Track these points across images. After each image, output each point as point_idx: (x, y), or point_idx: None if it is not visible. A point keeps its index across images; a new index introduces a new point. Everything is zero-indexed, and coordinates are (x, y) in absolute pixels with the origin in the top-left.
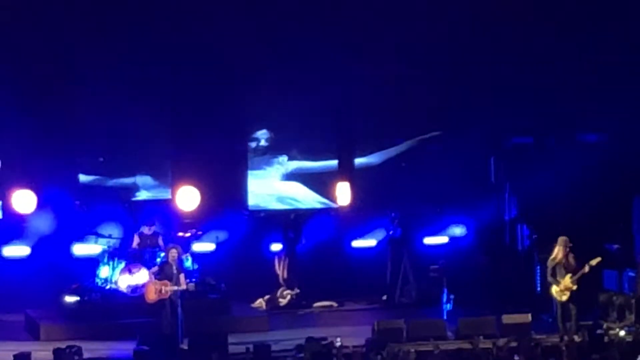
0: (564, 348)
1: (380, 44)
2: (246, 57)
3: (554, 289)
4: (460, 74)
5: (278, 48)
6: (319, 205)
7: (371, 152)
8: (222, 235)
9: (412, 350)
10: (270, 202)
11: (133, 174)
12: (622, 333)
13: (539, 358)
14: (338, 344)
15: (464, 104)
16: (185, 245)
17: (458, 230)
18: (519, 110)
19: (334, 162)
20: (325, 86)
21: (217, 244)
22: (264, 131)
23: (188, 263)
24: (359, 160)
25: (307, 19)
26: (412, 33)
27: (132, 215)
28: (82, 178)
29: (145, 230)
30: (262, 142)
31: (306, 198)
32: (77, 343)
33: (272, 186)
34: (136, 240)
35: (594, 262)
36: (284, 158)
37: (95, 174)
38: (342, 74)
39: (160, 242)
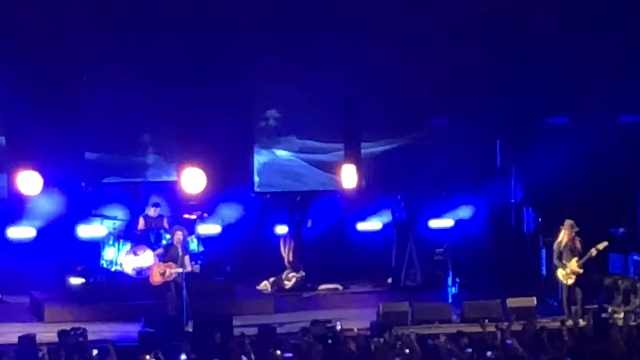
0: (565, 332)
1: (388, 28)
2: (254, 40)
3: (560, 273)
4: (466, 57)
5: (286, 30)
6: (326, 182)
7: (378, 140)
8: (228, 217)
9: (413, 333)
10: (276, 179)
11: (144, 154)
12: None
13: (543, 341)
14: (339, 327)
15: (471, 88)
16: (191, 227)
17: (464, 214)
18: (525, 93)
19: (340, 145)
20: (333, 69)
21: (223, 226)
22: (273, 111)
23: (193, 245)
24: (365, 147)
25: (316, 3)
26: (420, 18)
27: (138, 196)
28: (90, 155)
29: (151, 212)
30: (271, 122)
31: (312, 174)
32: (82, 325)
33: (279, 164)
34: (141, 222)
35: (600, 246)
36: (292, 137)
37: (105, 152)
38: (350, 57)
39: (166, 224)
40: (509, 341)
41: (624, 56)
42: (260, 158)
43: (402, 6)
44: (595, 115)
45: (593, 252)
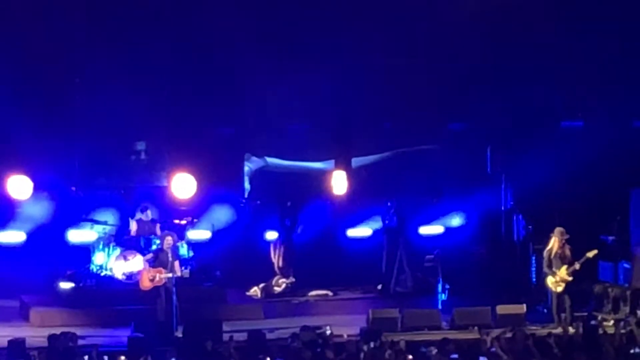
0: (555, 340)
1: (379, 37)
2: (244, 47)
3: (550, 280)
4: (457, 66)
5: (276, 39)
6: (317, 187)
7: (369, 154)
8: (218, 222)
9: (402, 340)
10: (267, 186)
11: (134, 159)
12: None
13: (532, 348)
14: (328, 332)
15: (461, 96)
16: (181, 232)
17: (454, 221)
18: (515, 101)
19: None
20: (323, 77)
21: (213, 232)
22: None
23: (183, 250)
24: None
25: (311, 15)
26: (411, 26)
27: (128, 201)
28: (80, 160)
29: (143, 216)
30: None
31: (304, 180)
32: (72, 329)
33: (269, 171)
34: (134, 227)
35: (590, 254)
36: (282, 145)
37: (95, 156)
38: (341, 67)
39: (158, 229)
40: (493, 349)
41: (625, 59)
42: (251, 165)
43: (393, 20)
44: (591, 119)
45: (582, 260)
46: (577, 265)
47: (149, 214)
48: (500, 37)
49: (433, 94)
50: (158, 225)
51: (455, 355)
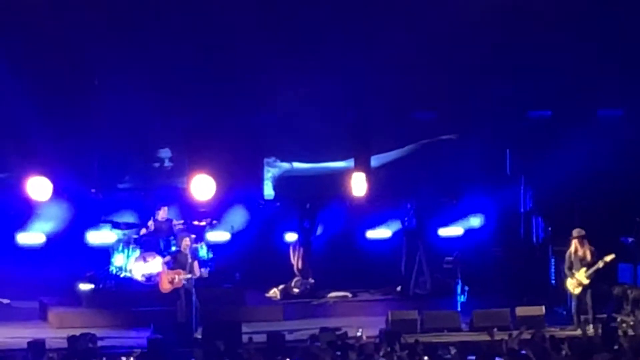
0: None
1: (396, 35)
2: (262, 50)
3: (568, 282)
4: (476, 64)
5: (292, 41)
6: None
7: (388, 150)
8: (237, 224)
9: (420, 341)
10: (293, 190)
11: (154, 160)
12: None
13: (550, 351)
14: (359, 334)
15: (481, 95)
16: (200, 234)
17: (473, 222)
18: (534, 99)
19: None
20: (343, 78)
21: (232, 233)
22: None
23: (203, 252)
24: (376, 158)
25: (325, 14)
26: (426, 23)
27: (148, 203)
28: (100, 161)
29: (159, 214)
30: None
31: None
32: (92, 331)
33: (295, 176)
34: (151, 226)
35: (608, 258)
36: (305, 147)
37: (115, 158)
38: (357, 65)
39: (176, 223)
40: (523, 351)
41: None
42: (275, 170)
43: (409, 14)
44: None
45: (600, 264)
46: (600, 264)
47: (165, 210)
48: (516, 34)
49: (453, 93)
50: (175, 223)
51: (473, 357)
